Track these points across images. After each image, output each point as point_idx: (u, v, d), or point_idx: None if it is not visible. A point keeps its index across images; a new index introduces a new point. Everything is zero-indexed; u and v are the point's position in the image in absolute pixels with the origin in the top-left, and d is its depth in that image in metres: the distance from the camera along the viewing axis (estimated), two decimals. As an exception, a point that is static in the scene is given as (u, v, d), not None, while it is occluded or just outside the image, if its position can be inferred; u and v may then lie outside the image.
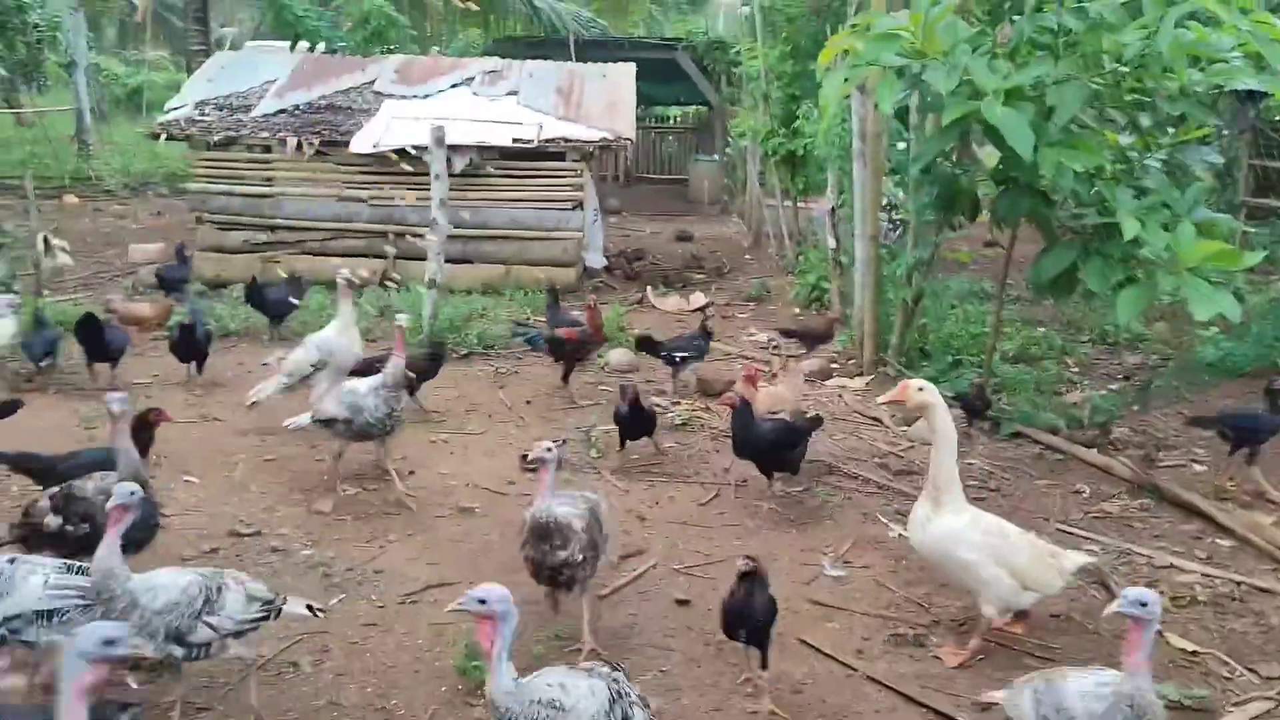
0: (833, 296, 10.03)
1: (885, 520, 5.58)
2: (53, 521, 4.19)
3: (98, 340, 7.29)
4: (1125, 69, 5.39)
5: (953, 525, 4.11)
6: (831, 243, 9.78)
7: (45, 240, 9.92)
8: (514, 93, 11.85)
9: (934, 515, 4.15)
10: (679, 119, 22.99)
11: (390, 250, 10.54)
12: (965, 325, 8.99)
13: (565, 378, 7.63)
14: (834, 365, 8.55)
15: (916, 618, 4.52)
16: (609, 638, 4.26)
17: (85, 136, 21.43)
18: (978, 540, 4.08)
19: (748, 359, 8.76)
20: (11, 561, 3.57)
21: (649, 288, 11.24)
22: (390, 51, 14.17)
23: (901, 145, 8.48)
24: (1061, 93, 5.16)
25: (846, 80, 5.98)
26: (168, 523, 4.94)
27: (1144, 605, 2.98)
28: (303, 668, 4.03)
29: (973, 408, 6.79)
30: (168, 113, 11.62)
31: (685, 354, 7.79)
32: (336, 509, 5.48)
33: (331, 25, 15.00)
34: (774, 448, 5.70)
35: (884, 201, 9.08)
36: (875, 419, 7.31)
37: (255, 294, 8.88)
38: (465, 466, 6.22)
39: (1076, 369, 8.60)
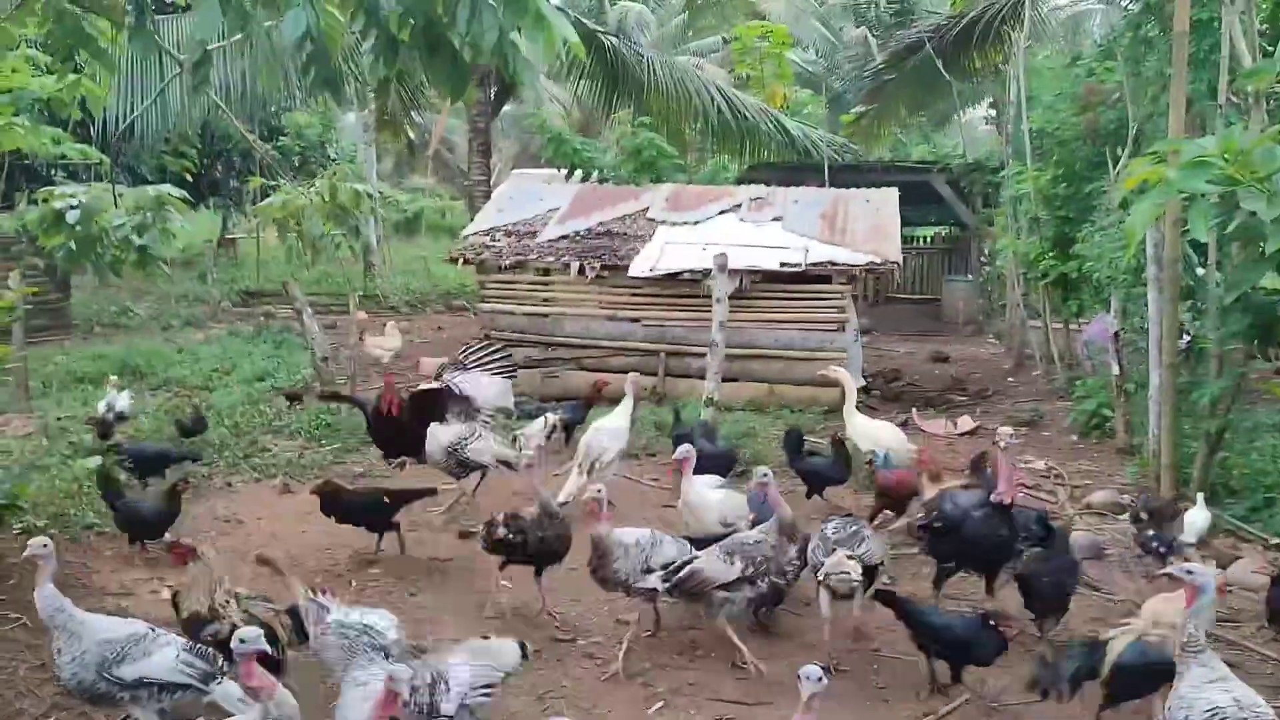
0: (1117, 425, 9.62)
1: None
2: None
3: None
4: None
5: None
6: (1115, 369, 9.43)
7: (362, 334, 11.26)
8: (779, 218, 12.24)
9: None
10: (929, 239, 22.91)
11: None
12: (1276, 460, 8.35)
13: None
14: (1126, 498, 8.12)
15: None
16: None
17: (370, 258, 23.66)
18: None
19: (1026, 488, 8.51)
20: (153, 630, 4.07)
21: (914, 409, 11.13)
22: (658, 179, 15.02)
23: (1201, 270, 8.13)
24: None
25: (1156, 206, 5.90)
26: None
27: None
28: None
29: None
30: (463, 239, 12.76)
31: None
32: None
33: (603, 155, 16.13)
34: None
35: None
36: (1186, 558, 6.86)
37: None
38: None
39: None
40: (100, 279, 10.23)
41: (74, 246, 4.95)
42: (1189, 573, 3.92)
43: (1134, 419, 9.29)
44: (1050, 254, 11.73)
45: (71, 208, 4.94)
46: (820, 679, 3.45)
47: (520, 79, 3.10)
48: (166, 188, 5.33)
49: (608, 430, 7.70)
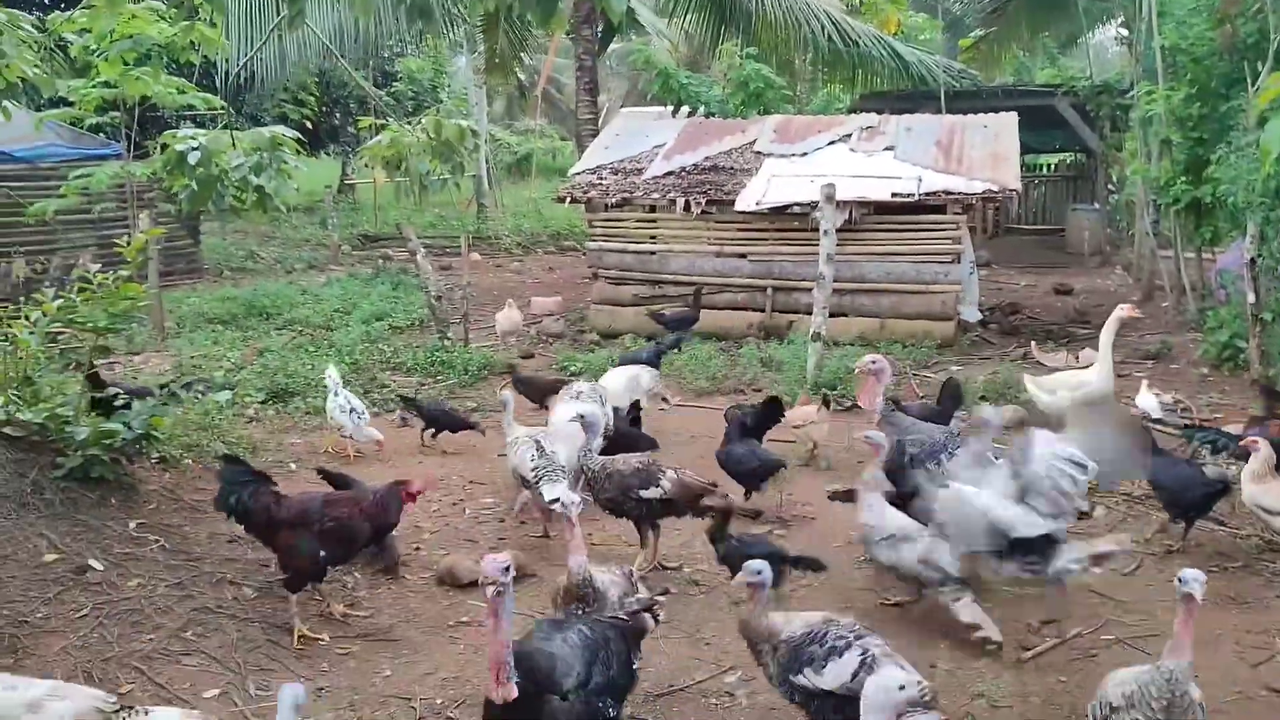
0: (1250, 356, 9.14)
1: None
2: None
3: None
4: None
5: None
6: (1251, 297, 8.93)
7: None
8: (891, 147, 11.91)
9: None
10: (1053, 167, 21.97)
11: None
12: None
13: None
14: (1259, 432, 7.74)
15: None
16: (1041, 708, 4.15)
17: (483, 200, 24.02)
18: None
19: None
20: None
21: (1033, 343, 10.78)
22: (766, 112, 14.75)
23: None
24: None
25: (1296, 122, 5.51)
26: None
27: None
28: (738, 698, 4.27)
29: None
30: (570, 178, 12.82)
31: None
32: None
33: (709, 89, 15.90)
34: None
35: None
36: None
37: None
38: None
39: None
40: (222, 220, 10.56)
41: (195, 187, 5.16)
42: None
43: (1270, 349, 8.81)
44: (1182, 178, 11.11)
45: (192, 149, 5.14)
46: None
47: (610, 9, 3.05)
48: (280, 128, 5.49)
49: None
